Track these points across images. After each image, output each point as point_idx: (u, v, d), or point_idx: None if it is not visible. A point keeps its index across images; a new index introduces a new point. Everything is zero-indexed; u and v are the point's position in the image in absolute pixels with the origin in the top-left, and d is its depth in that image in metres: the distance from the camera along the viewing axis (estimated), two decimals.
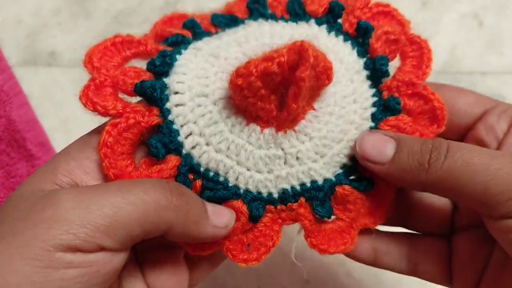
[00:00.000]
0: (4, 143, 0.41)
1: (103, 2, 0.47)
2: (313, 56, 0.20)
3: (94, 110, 0.23)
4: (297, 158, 0.23)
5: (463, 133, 0.25)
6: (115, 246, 0.19)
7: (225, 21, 0.26)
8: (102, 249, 0.19)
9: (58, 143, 0.42)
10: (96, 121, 0.43)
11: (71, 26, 0.46)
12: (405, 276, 0.38)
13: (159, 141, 0.23)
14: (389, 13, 0.26)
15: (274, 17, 0.26)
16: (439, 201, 0.26)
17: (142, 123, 0.22)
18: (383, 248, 0.26)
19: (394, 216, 0.26)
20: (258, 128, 0.23)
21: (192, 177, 0.23)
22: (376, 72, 0.25)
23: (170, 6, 0.47)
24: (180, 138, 0.23)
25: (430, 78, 0.44)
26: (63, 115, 0.43)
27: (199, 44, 0.24)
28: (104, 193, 0.19)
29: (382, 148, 0.22)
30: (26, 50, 0.45)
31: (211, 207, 0.22)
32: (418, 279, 0.38)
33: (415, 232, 0.27)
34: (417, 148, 0.21)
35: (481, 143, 0.24)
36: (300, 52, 0.20)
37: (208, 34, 0.25)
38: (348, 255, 0.26)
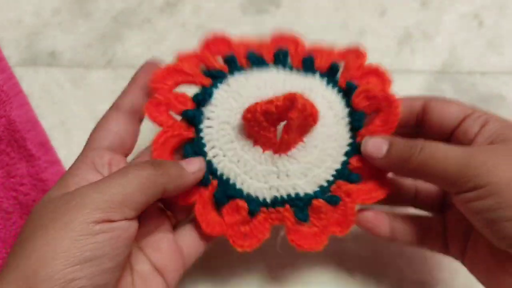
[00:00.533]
0: (4, 143, 0.41)
1: (103, 2, 0.47)
2: (302, 103, 0.29)
3: (153, 121, 0.31)
4: (287, 175, 0.31)
5: (449, 135, 0.32)
6: (131, 214, 0.27)
7: (256, 60, 0.34)
8: (124, 218, 0.26)
9: (58, 142, 0.42)
10: (96, 121, 0.43)
11: (71, 26, 0.46)
12: (405, 276, 0.38)
13: (191, 149, 0.32)
14: (377, 72, 0.34)
15: (290, 67, 0.34)
16: (432, 187, 0.35)
17: (183, 135, 0.32)
18: (398, 226, 0.34)
19: (405, 199, 0.36)
20: (261, 149, 0.32)
21: (211, 177, 0.32)
22: (354, 123, 0.33)
23: (170, 6, 0.47)
24: (206, 149, 0.32)
25: (431, 78, 0.44)
26: (63, 115, 0.43)
27: (231, 80, 0.33)
28: (110, 179, 0.27)
29: (379, 147, 0.31)
30: (26, 50, 0.45)
31: (183, 162, 0.30)
32: (419, 280, 0.38)
33: (420, 214, 0.35)
34: (402, 147, 0.30)
35: (459, 144, 0.31)
36: (292, 100, 0.29)
37: (241, 68, 0.34)
38: (372, 233, 0.33)
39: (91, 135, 0.32)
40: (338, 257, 0.39)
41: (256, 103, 0.29)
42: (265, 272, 0.39)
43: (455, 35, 0.46)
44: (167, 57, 0.45)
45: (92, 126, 0.43)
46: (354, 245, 0.39)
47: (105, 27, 0.46)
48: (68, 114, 0.43)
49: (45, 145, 0.42)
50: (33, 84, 0.44)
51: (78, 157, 0.31)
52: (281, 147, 0.31)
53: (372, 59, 0.45)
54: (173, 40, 0.46)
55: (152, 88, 0.32)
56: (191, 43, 0.46)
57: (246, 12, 0.47)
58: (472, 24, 0.47)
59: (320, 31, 0.46)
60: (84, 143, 0.42)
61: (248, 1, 0.47)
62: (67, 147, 0.42)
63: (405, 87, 0.45)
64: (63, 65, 0.45)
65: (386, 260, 0.39)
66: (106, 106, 0.43)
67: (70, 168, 0.30)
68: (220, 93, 0.32)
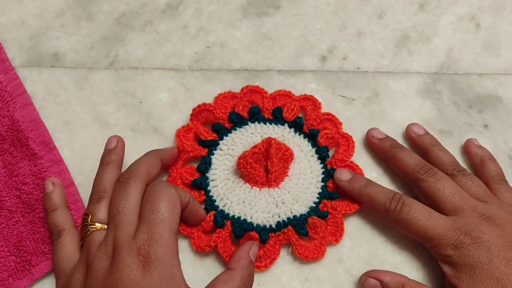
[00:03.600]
0: (8, 143, 0.42)
1: (105, 5, 0.47)
2: (276, 143, 0.39)
3: None
4: (283, 202, 0.40)
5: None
6: None
7: (236, 120, 0.42)
8: None
9: (62, 143, 0.43)
10: (99, 121, 0.43)
11: (74, 28, 0.47)
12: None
13: (205, 208, 0.40)
14: (330, 119, 0.43)
15: (263, 119, 0.43)
16: None
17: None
18: None
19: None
20: (258, 189, 0.40)
21: (225, 220, 0.39)
22: (321, 156, 0.42)
23: (171, 9, 0.47)
24: (216, 203, 0.40)
25: (428, 80, 0.45)
26: (66, 115, 0.44)
27: (221, 145, 0.42)
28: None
29: (346, 176, 0.40)
30: (29, 52, 0.46)
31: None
32: (418, 277, 0.38)
33: None
34: (382, 198, 0.38)
35: None
36: (269, 142, 0.39)
37: (227, 131, 0.42)
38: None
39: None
40: (337, 256, 0.39)
41: (244, 152, 0.40)
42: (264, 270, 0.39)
43: (452, 37, 0.47)
44: (169, 58, 0.45)
45: (95, 126, 0.44)
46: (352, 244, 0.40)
47: (107, 29, 0.47)
48: (71, 115, 0.44)
49: (48, 144, 0.42)
50: (36, 85, 0.45)
51: None
52: (271, 180, 0.40)
53: (370, 60, 0.46)
54: (175, 42, 0.47)
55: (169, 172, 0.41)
56: (192, 45, 0.46)
57: (246, 14, 0.47)
58: (469, 26, 0.47)
59: (319, 33, 0.47)
60: (87, 143, 0.43)
61: (248, 3, 0.48)
62: (70, 147, 0.43)
63: (402, 88, 0.45)
64: (66, 67, 0.45)
65: (384, 259, 0.39)
66: (108, 107, 0.44)
67: None
68: (217, 158, 0.42)
